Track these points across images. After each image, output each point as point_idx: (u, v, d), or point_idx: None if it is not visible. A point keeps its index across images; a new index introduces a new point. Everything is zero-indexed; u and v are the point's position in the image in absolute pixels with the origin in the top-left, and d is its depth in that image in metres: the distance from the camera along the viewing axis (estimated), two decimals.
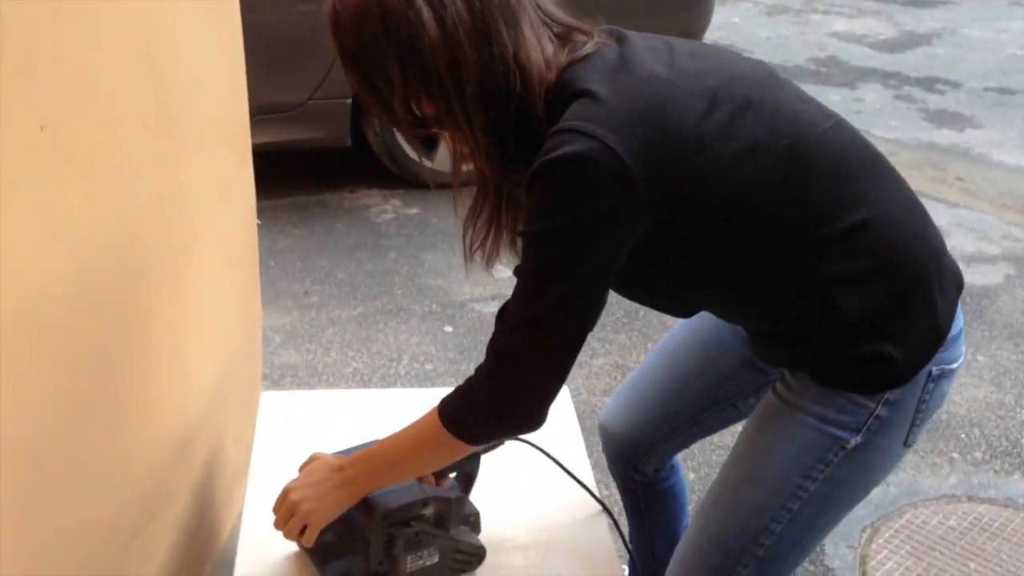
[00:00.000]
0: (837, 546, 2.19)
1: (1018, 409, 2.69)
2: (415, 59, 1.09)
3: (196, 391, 1.64)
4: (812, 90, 4.97)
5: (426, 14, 1.07)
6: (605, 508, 1.48)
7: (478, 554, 1.38)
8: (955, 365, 1.22)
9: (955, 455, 2.50)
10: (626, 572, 1.77)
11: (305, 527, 1.27)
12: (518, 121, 1.12)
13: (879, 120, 4.67)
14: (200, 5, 1.56)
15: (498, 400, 1.16)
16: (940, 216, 3.76)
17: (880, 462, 1.24)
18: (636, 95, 1.07)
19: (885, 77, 5.26)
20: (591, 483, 1.52)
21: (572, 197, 1.06)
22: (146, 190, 1.37)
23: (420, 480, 1.34)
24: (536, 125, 1.11)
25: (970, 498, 2.35)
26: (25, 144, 1.05)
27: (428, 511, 1.33)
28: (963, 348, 1.25)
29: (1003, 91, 5.13)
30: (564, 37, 1.16)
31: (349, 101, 3.54)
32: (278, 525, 1.30)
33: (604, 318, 1.22)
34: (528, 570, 1.39)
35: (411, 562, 1.32)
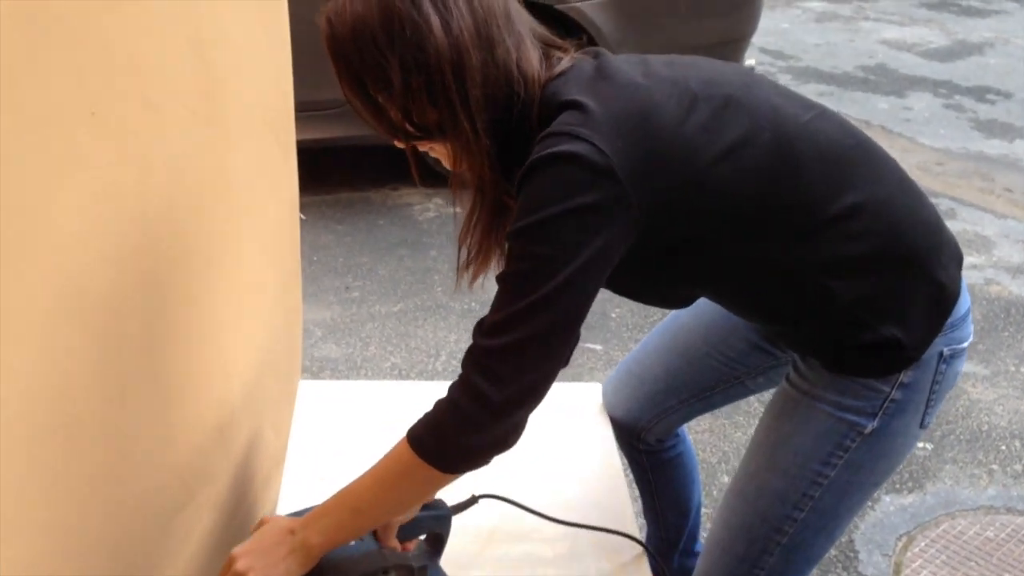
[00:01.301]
0: (871, 554, 2.17)
1: None
2: (420, 65, 1.08)
3: (236, 377, 1.67)
4: (860, 98, 4.95)
5: (433, 19, 1.07)
6: (647, 549, 1.43)
7: None
8: (965, 344, 1.22)
9: (995, 467, 2.47)
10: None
11: None
12: (516, 129, 1.12)
13: (928, 129, 4.61)
14: None
15: (472, 413, 1.06)
16: (987, 227, 3.71)
17: (898, 445, 1.24)
18: (618, 101, 1.08)
19: (935, 86, 5.19)
20: (621, 477, 1.53)
21: (561, 192, 1.04)
22: (192, 176, 1.40)
23: (383, 545, 1.24)
24: (530, 134, 1.11)
25: (1008, 510, 2.32)
26: (77, 129, 1.09)
27: None
28: (971, 328, 1.24)
29: None
30: (545, 52, 1.17)
31: None
32: None
33: None
34: (556, 562, 1.40)
35: None
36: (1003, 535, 2.24)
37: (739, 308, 1.31)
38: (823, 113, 1.19)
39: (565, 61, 1.15)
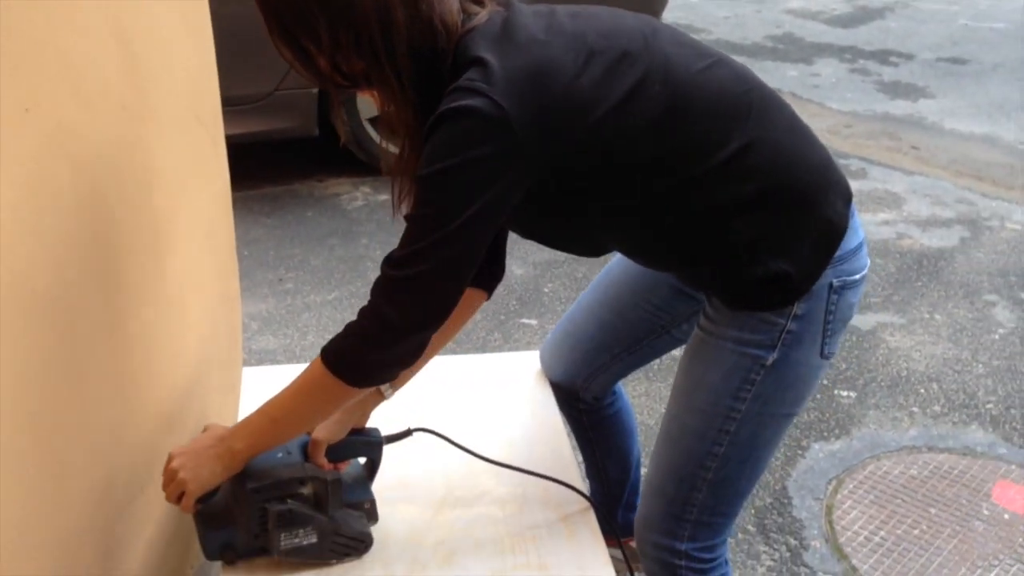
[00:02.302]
0: (804, 498, 2.28)
1: (975, 364, 2.79)
2: (348, 22, 1.14)
3: (181, 366, 1.69)
4: (769, 66, 5.09)
5: None
6: (588, 499, 1.52)
7: (363, 540, 1.38)
8: (857, 276, 1.31)
9: (915, 409, 2.60)
10: None
11: (183, 494, 1.29)
12: (437, 79, 1.19)
13: (835, 93, 4.77)
14: None
15: (379, 333, 1.18)
16: (896, 184, 3.87)
17: (801, 374, 1.32)
18: (518, 58, 1.15)
19: (840, 52, 5.36)
20: (563, 435, 1.59)
21: (461, 144, 1.13)
22: (126, 169, 1.42)
23: (311, 461, 1.34)
24: (445, 85, 1.18)
25: (930, 448, 2.45)
26: (12, 125, 1.10)
27: (306, 490, 1.32)
28: (866, 260, 1.33)
29: (955, 61, 5.24)
30: (462, 4, 1.23)
31: (316, 91, 3.58)
32: (163, 488, 1.32)
33: None
34: (507, 520, 1.46)
35: (285, 539, 1.32)
36: (926, 472, 2.36)
37: (642, 254, 1.38)
38: (718, 61, 1.25)
39: (481, 15, 1.21)
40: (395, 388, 1.43)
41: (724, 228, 1.25)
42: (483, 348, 2.80)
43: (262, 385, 1.83)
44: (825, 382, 2.70)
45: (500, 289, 3.17)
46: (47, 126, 1.18)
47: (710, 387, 1.33)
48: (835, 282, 1.28)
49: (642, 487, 1.45)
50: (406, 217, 1.19)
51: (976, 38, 5.61)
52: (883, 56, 5.31)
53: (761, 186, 1.24)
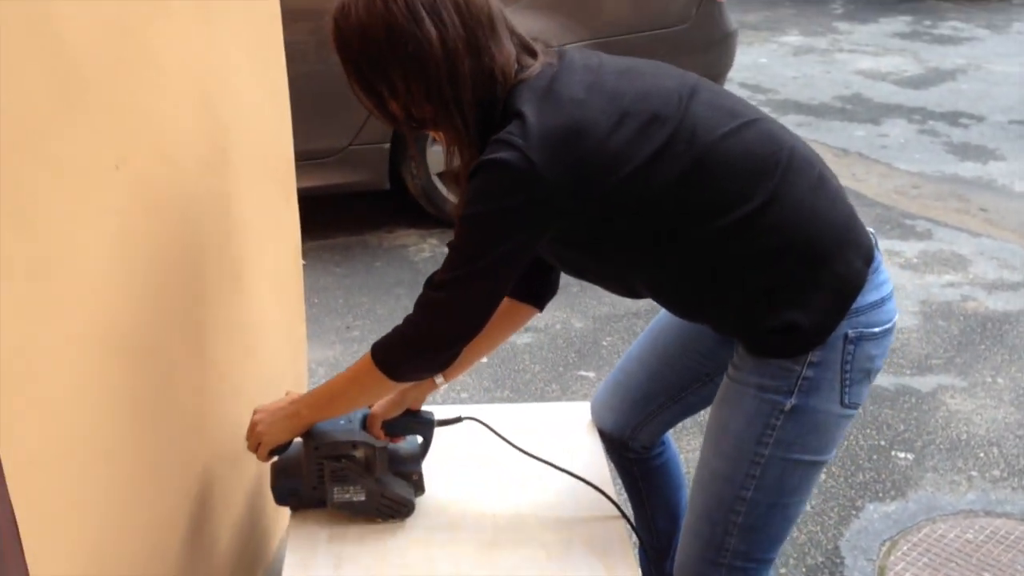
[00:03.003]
0: (856, 559, 2.28)
1: None
2: (420, 72, 1.28)
3: (247, 407, 1.79)
4: (837, 126, 5.11)
5: (432, 32, 1.26)
6: (623, 515, 1.60)
7: (405, 505, 1.58)
8: (877, 329, 1.35)
9: (974, 473, 2.58)
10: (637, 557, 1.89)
11: (259, 445, 1.53)
12: (494, 122, 1.31)
13: (903, 154, 4.76)
14: (250, 55, 1.73)
15: (416, 344, 1.37)
16: (962, 246, 3.85)
17: (821, 421, 1.37)
18: (555, 116, 1.27)
19: (910, 112, 5.36)
20: (608, 484, 1.64)
21: (493, 193, 1.27)
22: (203, 222, 1.53)
23: (368, 430, 1.56)
24: (497, 129, 1.31)
25: (987, 513, 2.43)
26: (104, 180, 1.22)
27: (358, 453, 1.54)
28: (890, 315, 1.38)
29: None
30: (520, 49, 1.35)
31: (387, 146, 3.72)
32: (245, 438, 1.56)
33: None
34: (550, 565, 1.51)
35: (337, 493, 1.55)
36: (982, 537, 2.34)
37: (667, 301, 1.46)
38: (750, 123, 1.34)
39: (533, 68, 1.33)
40: (448, 379, 1.56)
41: (741, 279, 1.33)
42: (541, 398, 2.86)
43: None
44: (882, 443, 2.70)
45: (559, 342, 3.23)
46: (134, 181, 1.29)
47: (735, 432, 1.39)
48: (851, 333, 1.33)
49: (681, 531, 1.49)
50: (448, 245, 1.34)
51: None
52: (953, 118, 5.29)
53: (778, 241, 1.32)
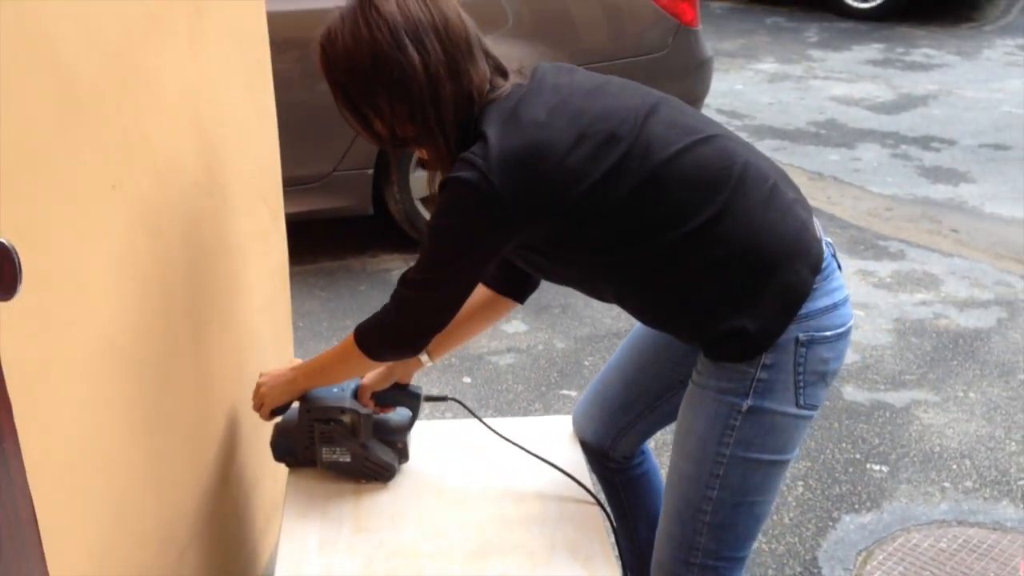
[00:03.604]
0: (834, 568, 2.33)
1: (1008, 441, 2.83)
2: (405, 95, 1.37)
3: (238, 423, 1.83)
4: (811, 151, 5.21)
5: (415, 58, 1.34)
6: (599, 503, 1.67)
7: (387, 469, 1.72)
8: (829, 333, 1.42)
9: (947, 484, 2.64)
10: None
11: (262, 406, 1.69)
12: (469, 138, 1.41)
13: (876, 177, 4.86)
14: (241, 82, 1.79)
15: (390, 331, 1.51)
16: (934, 265, 3.93)
17: (779, 422, 1.43)
18: (515, 138, 1.36)
19: (883, 137, 5.47)
20: (588, 485, 1.69)
21: (456, 209, 1.38)
22: (196, 241, 1.58)
23: (358, 400, 1.70)
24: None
25: (960, 522, 2.49)
26: (101, 201, 1.26)
27: (345, 418, 1.68)
28: (843, 319, 1.44)
29: (997, 147, 5.32)
30: (494, 70, 1.43)
31: (370, 172, 3.78)
32: (252, 399, 1.72)
33: None
34: (535, 571, 1.56)
35: (326, 453, 1.70)
36: (955, 546, 2.40)
37: (629, 306, 1.53)
38: (705, 139, 1.41)
39: (504, 89, 1.41)
40: (433, 358, 1.69)
41: (694, 287, 1.41)
42: (525, 416, 2.90)
43: None
44: (857, 456, 2.76)
45: (542, 362, 3.29)
46: (131, 201, 1.34)
47: (698, 433, 1.46)
48: (802, 336, 1.40)
49: (657, 533, 1.55)
50: (420, 245, 1.46)
51: (1019, 125, 5.68)
52: (925, 142, 5.40)
53: (728, 251, 1.39)
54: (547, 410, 2.95)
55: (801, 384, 1.41)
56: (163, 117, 1.45)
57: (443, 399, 1.83)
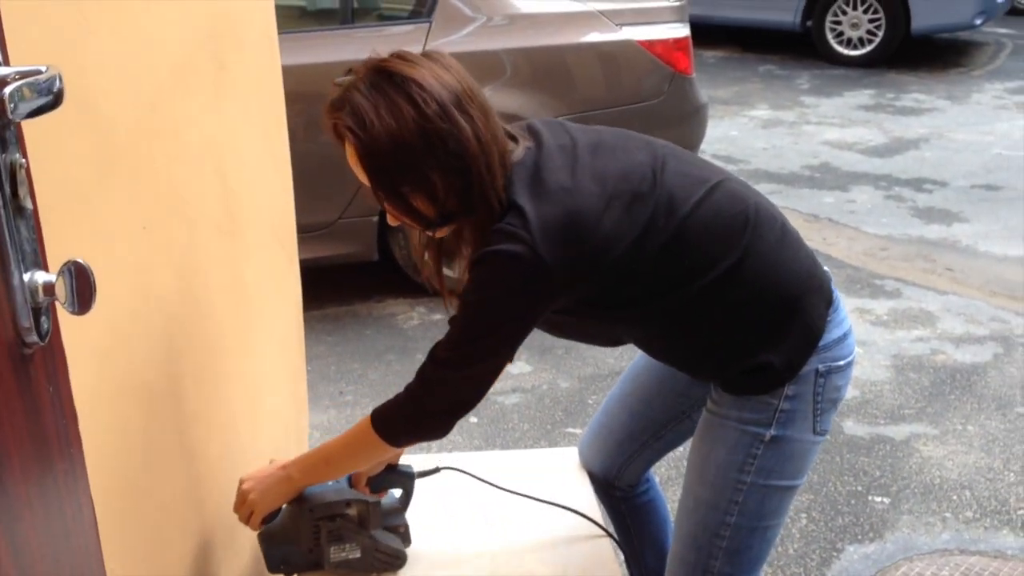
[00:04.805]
0: None
1: (1006, 472, 2.88)
2: (460, 168, 1.31)
3: (253, 458, 1.89)
4: (806, 194, 5.31)
5: (467, 128, 1.30)
6: (609, 535, 1.72)
7: (399, 557, 1.65)
8: (842, 362, 1.48)
9: (947, 515, 2.69)
10: None
11: (252, 514, 1.56)
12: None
13: (871, 218, 4.95)
14: (258, 129, 1.88)
15: (417, 414, 1.44)
16: (930, 303, 4.01)
17: (797, 449, 1.49)
18: (551, 208, 1.33)
19: (876, 180, 5.57)
20: (597, 518, 1.75)
21: (501, 281, 1.34)
22: (218, 281, 1.65)
23: (354, 487, 1.60)
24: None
25: (962, 551, 2.53)
26: (132, 240, 1.34)
27: (351, 511, 1.59)
28: (851, 348, 1.50)
29: (989, 188, 5.42)
30: (504, 134, 1.40)
31: (375, 219, 3.87)
32: (234, 510, 1.59)
33: None
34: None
35: (334, 553, 1.60)
36: (957, 574, 2.44)
37: (652, 351, 1.58)
38: (716, 185, 1.45)
39: (517, 152, 1.39)
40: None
41: (722, 329, 1.45)
42: None
43: None
44: (859, 488, 2.81)
45: (547, 401, 3.34)
46: (159, 241, 1.42)
47: (718, 462, 1.50)
48: (821, 367, 1.46)
49: (668, 556, 1.60)
50: (450, 321, 1.40)
51: (1010, 166, 5.79)
52: (918, 184, 5.50)
53: (752, 292, 1.43)
54: (553, 446, 3.00)
55: (819, 412, 1.48)
56: (189, 164, 1.53)
57: (435, 471, 1.76)
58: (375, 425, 1.46)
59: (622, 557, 1.79)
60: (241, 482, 1.58)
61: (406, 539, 1.67)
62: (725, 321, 1.44)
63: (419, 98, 1.28)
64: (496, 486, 1.75)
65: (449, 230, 1.42)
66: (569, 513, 1.76)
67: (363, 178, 1.36)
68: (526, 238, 1.31)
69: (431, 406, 1.43)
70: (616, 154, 1.43)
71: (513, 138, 1.42)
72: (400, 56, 1.34)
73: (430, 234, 1.44)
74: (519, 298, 1.35)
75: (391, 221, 1.43)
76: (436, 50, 1.37)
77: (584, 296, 1.41)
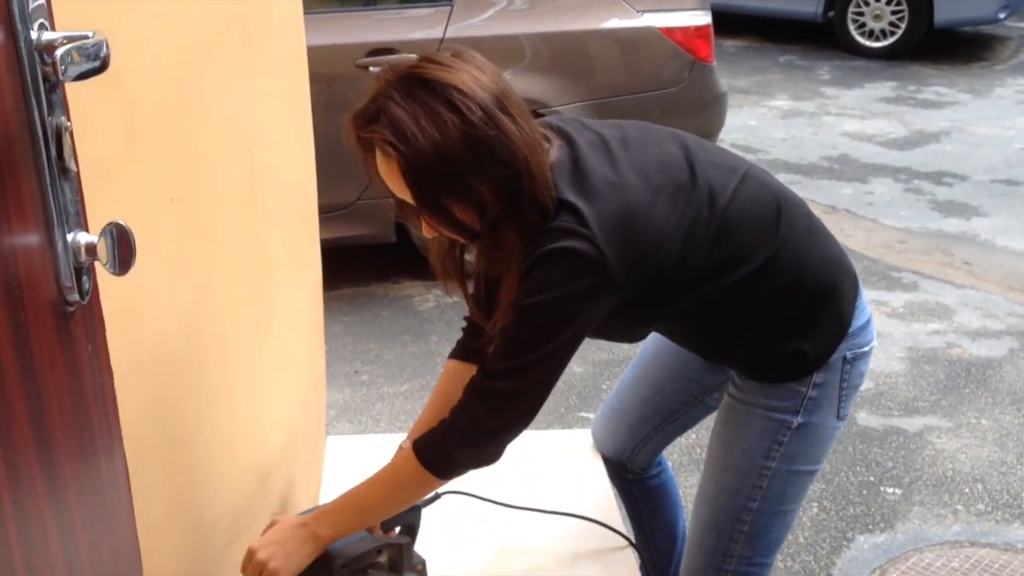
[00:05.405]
0: None
1: (1019, 467, 2.88)
2: (508, 172, 1.23)
3: (274, 432, 1.91)
4: (825, 184, 5.29)
5: (513, 130, 1.22)
6: (628, 540, 1.71)
7: None
8: (867, 348, 1.49)
9: (959, 507, 2.70)
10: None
11: None
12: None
13: (889, 211, 4.94)
14: (284, 107, 1.90)
15: (472, 436, 1.34)
16: (947, 297, 4.00)
17: (821, 435, 1.50)
18: (603, 204, 1.28)
19: (895, 172, 5.55)
20: (614, 510, 1.76)
21: (563, 280, 1.27)
22: (241, 255, 1.67)
23: (370, 531, 1.48)
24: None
25: (972, 543, 2.54)
26: (160, 212, 1.36)
27: (382, 558, 1.47)
28: (873, 334, 1.51)
29: (1009, 183, 5.39)
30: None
31: (393, 201, 3.88)
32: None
33: None
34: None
35: None
36: (967, 565, 2.45)
37: (687, 340, 1.58)
38: (745, 175, 1.43)
39: (552, 152, 1.32)
40: None
41: (754, 319, 1.44)
42: None
43: (341, 454, 2.04)
44: (871, 479, 2.81)
45: (561, 386, 3.34)
46: (186, 214, 1.43)
47: (743, 448, 1.51)
48: (848, 355, 1.47)
49: (687, 540, 1.61)
50: (502, 332, 1.32)
51: None
52: (937, 177, 5.48)
53: (786, 282, 1.43)
54: (566, 429, 3.02)
55: (844, 398, 1.49)
56: (214, 139, 1.54)
57: (436, 498, 1.65)
58: (423, 457, 1.35)
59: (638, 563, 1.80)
60: (252, 552, 1.42)
61: (424, 575, 1.57)
62: (760, 311, 1.44)
63: (462, 105, 1.19)
64: (501, 504, 1.69)
65: (491, 239, 1.34)
66: (588, 512, 1.76)
67: (402, 194, 1.29)
68: (587, 234, 1.25)
69: (488, 424, 1.33)
70: (647, 146, 1.39)
71: (545, 138, 1.35)
72: (432, 60, 1.25)
73: (469, 241, 1.35)
74: (581, 297, 1.27)
75: (426, 232, 1.36)
76: (465, 50, 1.29)
77: (632, 294, 1.34)
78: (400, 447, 1.48)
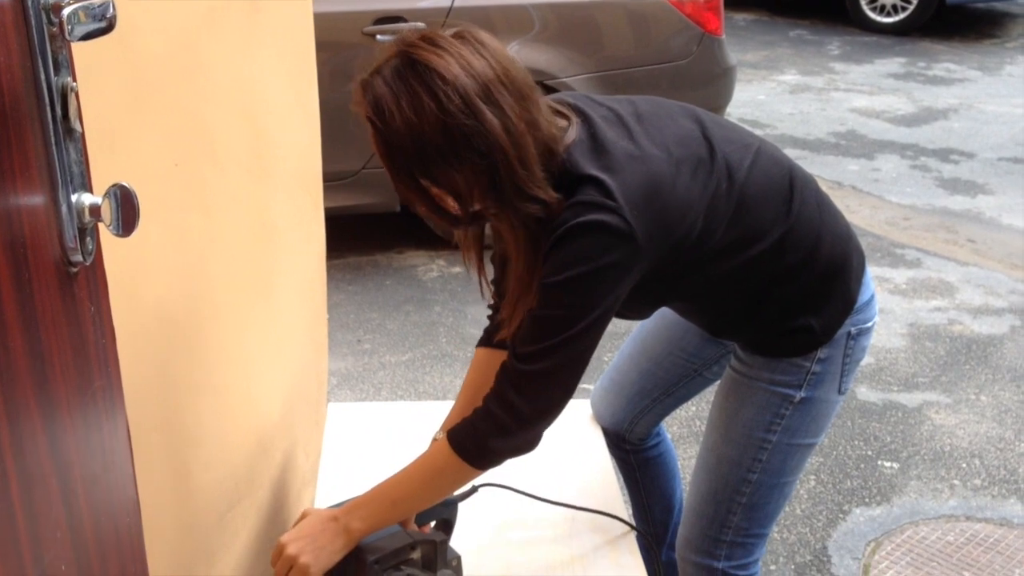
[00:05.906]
0: (843, 557, 2.40)
1: (1017, 443, 2.89)
2: (488, 165, 1.20)
3: (276, 397, 1.93)
4: (831, 160, 5.28)
5: (495, 122, 1.18)
6: (634, 528, 1.73)
7: None
8: (870, 323, 1.50)
9: (956, 482, 2.71)
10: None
11: None
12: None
13: (895, 187, 4.93)
14: (289, 76, 1.90)
15: (509, 421, 1.30)
16: (950, 274, 4.00)
17: (823, 409, 1.51)
18: (627, 176, 1.26)
19: (902, 149, 5.53)
20: (610, 469, 1.78)
21: (593, 254, 1.24)
22: (244, 222, 1.68)
23: (405, 527, 1.45)
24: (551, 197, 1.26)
25: (968, 517, 2.56)
26: (163, 177, 1.37)
27: (416, 554, 1.42)
28: (876, 309, 1.52)
29: (1016, 161, 5.37)
30: (551, 112, 1.30)
31: None
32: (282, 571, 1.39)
33: None
34: (557, 541, 1.64)
35: None
36: (962, 539, 2.47)
37: (698, 317, 1.58)
38: (759, 150, 1.43)
39: (571, 131, 1.29)
40: None
41: (768, 295, 1.44)
42: None
43: (343, 421, 2.05)
44: (869, 453, 2.83)
45: None
46: (190, 180, 1.44)
47: (745, 421, 1.52)
48: (853, 330, 1.48)
49: (684, 509, 1.63)
50: (531, 313, 1.29)
51: None
52: (944, 154, 5.46)
53: (799, 258, 1.43)
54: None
55: (846, 373, 1.51)
56: (219, 105, 1.55)
57: (473, 491, 1.61)
58: (458, 447, 1.32)
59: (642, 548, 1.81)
60: (282, 546, 1.40)
61: (459, 572, 1.51)
62: (774, 287, 1.44)
63: (440, 92, 1.17)
64: (537, 498, 1.66)
65: (478, 227, 1.33)
66: (593, 502, 1.77)
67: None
68: (613, 205, 1.22)
69: (523, 409, 1.29)
70: (662, 120, 1.37)
71: (562, 115, 1.32)
72: (429, 39, 1.22)
73: (451, 227, 1.33)
74: (611, 271, 1.24)
75: (421, 212, 1.34)
76: (470, 28, 1.25)
77: (660, 269, 1.32)
78: (434, 439, 1.46)
